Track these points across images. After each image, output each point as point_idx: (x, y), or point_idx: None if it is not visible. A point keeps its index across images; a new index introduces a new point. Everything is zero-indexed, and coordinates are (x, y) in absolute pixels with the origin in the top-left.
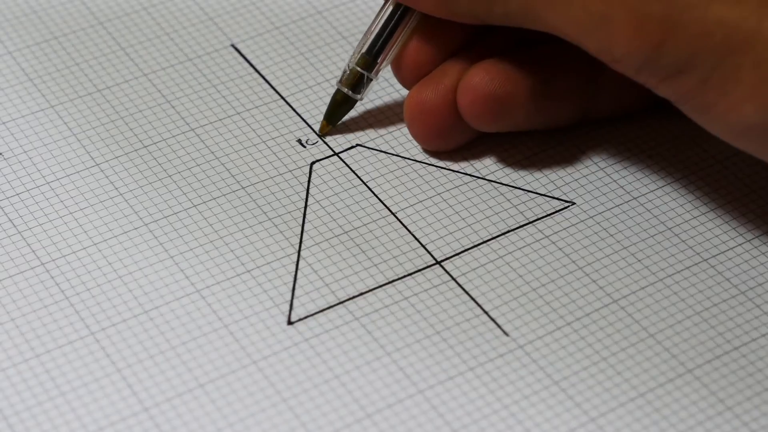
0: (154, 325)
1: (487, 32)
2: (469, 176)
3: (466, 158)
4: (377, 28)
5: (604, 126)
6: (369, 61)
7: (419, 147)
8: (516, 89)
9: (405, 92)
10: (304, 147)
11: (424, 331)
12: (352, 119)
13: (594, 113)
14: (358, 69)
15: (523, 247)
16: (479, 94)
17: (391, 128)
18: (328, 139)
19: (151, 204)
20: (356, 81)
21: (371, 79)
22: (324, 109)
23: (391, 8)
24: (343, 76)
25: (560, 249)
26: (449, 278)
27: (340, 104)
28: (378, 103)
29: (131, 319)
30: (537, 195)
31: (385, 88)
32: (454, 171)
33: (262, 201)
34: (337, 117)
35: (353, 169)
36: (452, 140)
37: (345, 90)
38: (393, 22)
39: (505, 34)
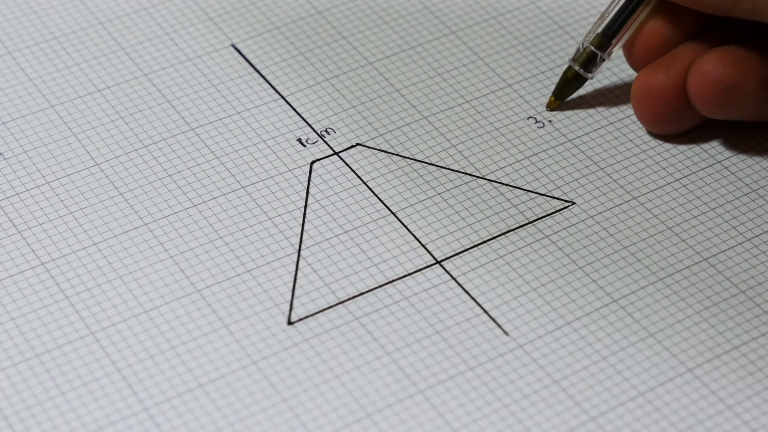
0: (154, 325)
1: (722, 21)
2: (469, 176)
3: (466, 158)
4: (615, 9)
5: (603, 126)
6: (604, 41)
7: (419, 146)
8: (747, 79)
9: (397, 86)
10: (304, 146)
11: (424, 330)
12: (352, 119)
13: None
14: (592, 48)
15: (523, 247)
16: (710, 80)
17: (392, 128)
18: (328, 138)
19: (151, 204)
20: (589, 60)
21: (604, 59)
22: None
23: None
24: (576, 54)
25: (560, 249)
26: (449, 278)
27: (570, 81)
28: (378, 102)
29: (131, 318)
30: (537, 195)
31: (385, 87)
32: (454, 171)
33: (262, 200)
34: (566, 93)
35: (353, 168)
36: (676, 124)
37: (577, 68)
38: (631, 5)
39: (739, 24)
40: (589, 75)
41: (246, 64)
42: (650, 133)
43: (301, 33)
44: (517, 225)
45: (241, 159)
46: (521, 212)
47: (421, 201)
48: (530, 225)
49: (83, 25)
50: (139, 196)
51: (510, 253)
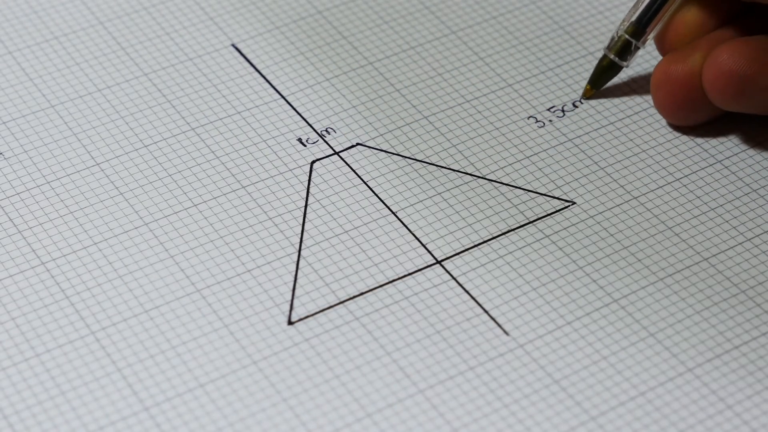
0: (154, 324)
1: (750, 12)
2: (469, 176)
3: (466, 158)
4: (647, 1)
5: (603, 125)
6: (638, 29)
7: (419, 146)
8: (762, 71)
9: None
10: (305, 146)
11: (425, 330)
12: (353, 119)
13: None
14: (627, 37)
15: (523, 246)
16: (724, 71)
17: (391, 127)
18: (328, 138)
19: (151, 203)
20: (624, 48)
21: (638, 48)
22: None
23: None
24: (611, 42)
25: (560, 249)
26: (449, 278)
27: (605, 70)
28: (378, 102)
29: (131, 318)
30: (537, 195)
31: (385, 87)
32: (454, 171)
33: (262, 200)
34: (601, 82)
35: (353, 168)
36: (695, 115)
37: (612, 56)
38: None
39: (766, 15)
40: (624, 63)
41: (246, 64)
42: (671, 124)
43: (301, 33)
44: (517, 225)
45: (241, 159)
46: (521, 212)
47: (421, 201)
48: (530, 225)
49: (83, 25)
50: (139, 196)
51: (510, 253)
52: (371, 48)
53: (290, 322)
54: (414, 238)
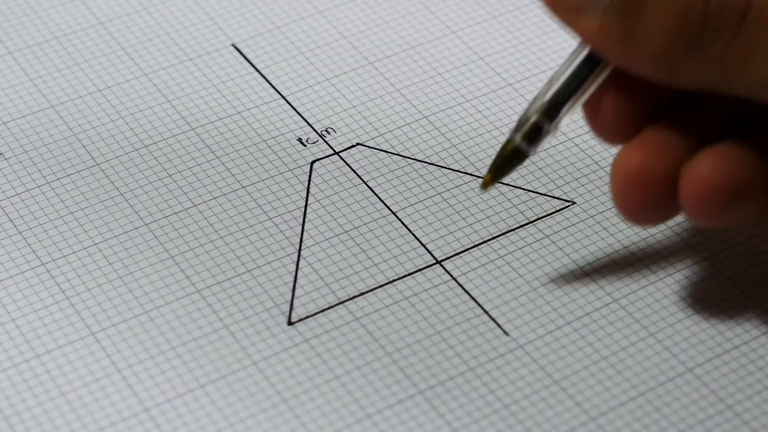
0: (154, 325)
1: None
2: (469, 176)
3: (466, 158)
4: (564, 76)
5: None
6: (552, 110)
7: (419, 146)
8: (753, 180)
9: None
10: (305, 146)
11: (425, 331)
12: (353, 118)
13: None
14: (537, 118)
15: (523, 247)
16: (709, 187)
17: (392, 127)
18: (328, 138)
19: (151, 204)
20: (532, 132)
21: (549, 132)
22: None
23: (582, 56)
24: (519, 124)
25: (560, 249)
26: (449, 278)
27: (509, 157)
28: (378, 102)
29: (131, 319)
30: (537, 195)
31: (385, 87)
32: (454, 171)
33: (262, 200)
34: (504, 171)
35: (353, 168)
36: (662, 218)
37: (518, 141)
38: (583, 72)
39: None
40: (532, 151)
41: (246, 64)
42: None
43: (301, 33)
44: (517, 225)
45: (241, 159)
46: (521, 212)
47: (421, 201)
48: (530, 225)
49: (83, 25)
50: (139, 196)
51: (510, 253)
52: (371, 48)
53: (290, 323)
54: (414, 238)
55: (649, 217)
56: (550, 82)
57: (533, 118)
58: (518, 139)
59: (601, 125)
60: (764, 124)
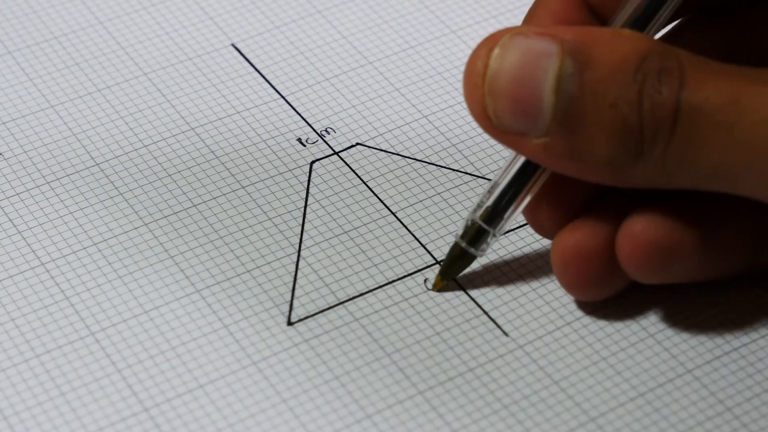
0: (154, 325)
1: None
2: (469, 176)
3: (466, 158)
4: (504, 181)
5: None
6: (494, 216)
7: (419, 146)
8: (681, 238)
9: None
10: (304, 146)
11: (424, 331)
12: (353, 118)
13: (762, 262)
14: (481, 224)
15: (523, 247)
16: (641, 242)
17: (391, 127)
18: (328, 138)
19: (151, 204)
20: (477, 236)
21: (494, 236)
22: None
23: (521, 161)
24: (464, 229)
25: None
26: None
27: (457, 259)
28: (378, 102)
29: (131, 319)
30: None
31: (385, 87)
32: (454, 170)
33: (262, 200)
34: (453, 272)
35: (353, 168)
36: (607, 289)
37: (464, 245)
38: (524, 176)
39: None
40: (479, 253)
41: (246, 64)
42: (578, 301)
43: (301, 33)
44: (517, 225)
45: (241, 159)
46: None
47: (421, 201)
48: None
49: (83, 24)
50: (139, 196)
51: (510, 253)
52: (371, 48)
53: (290, 323)
54: (414, 238)
55: (594, 291)
56: (491, 189)
57: (477, 225)
58: (464, 243)
59: (541, 227)
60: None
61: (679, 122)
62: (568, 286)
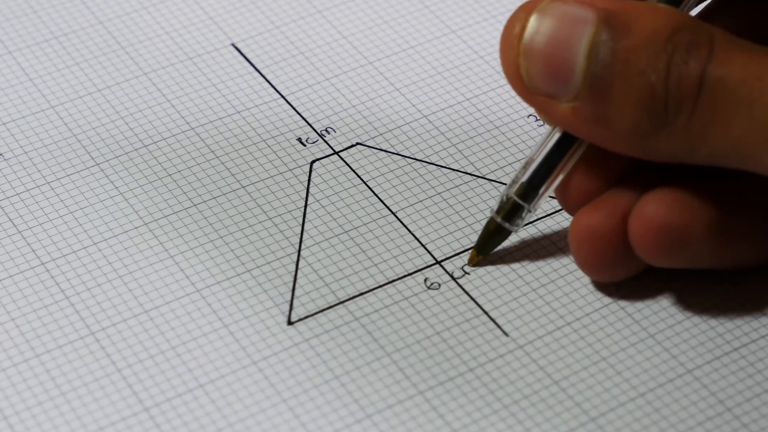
0: (154, 325)
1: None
2: (469, 176)
3: (466, 157)
4: (540, 157)
5: None
6: (528, 191)
7: (419, 146)
8: (693, 221)
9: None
10: (304, 146)
11: (424, 331)
12: (352, 118)
13: None
14: (517, 199)
15: (523, 247)
16: (653, 224)
17: (391, 127)
18: (328, 138)
19: (151, 203)
20: (513, 212)
21: (529, 211)
22: None
23: (556, 137)
24: (499, 205)
25: (560, 249)
26: (449, 278)
27: (492, 234)
28: (378, 102)
29: (131, 319)
30: None
31: (385, 86)
32: (454, 170)
33: (262, 200)
34: (489, 248)
35: (353, 168)
36: (621, 270)
37: (499, 220)
38: (558, 152)
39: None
40: (514, 228)
41: (246, 64)
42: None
43: (301, 33)
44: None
45: (241, 159)
46: None
47: (421, 201)
48: (530, 225)
49: (83, 24)
50: (139, 196)
51: (510, 253)
52: (371, 48)
53: (290, 323)
54: (414, 238)
55: (609, 272)
56: (526, 166)
57: (512, 201)
58: (499, 218)
59: (567, 203)
60: (709, 170)
61: (702, 95)
62: (583, 265)
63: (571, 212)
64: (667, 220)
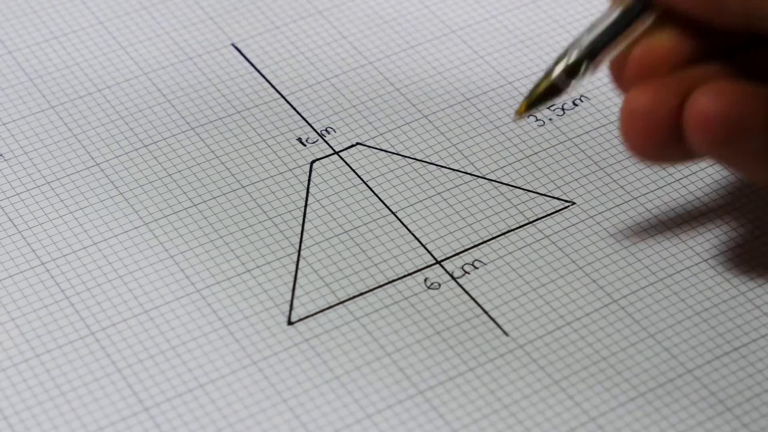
0: (154, 325)
1: (735, 50)
2: (469, 176)
3: (466, 157)
4: (607, 21)
5: (603, 125)
6: (593, 50)
7: (419, 146)
8: (751, 113)
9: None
10: (305, 146)
11: (424, 331)
12: (352, 118)
13: None
14: (578, 57)
15: (523, 247)
16: (709, 115)
17: (391, 127)
18: (328, 138)
19: (151, 203)
20: (573, 69)
21: (588, 71)
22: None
23: (626, 4)
24: (558, 58)
25: (560, 249)
26: (449, 278)
27: (546, 90)
28: (378, 102)
29: (131, 318)
30: (537, 195)
31: (385, 86)
32: (454, 170)
33: (262, 200)
34: (539, 103)
35: (353, 168)
36: (670, 156)
37: (555, 76)
38: (625, 18)
39: (746, 53)
40: (568, 87)
41: (246, 64)
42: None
43: (301, 33)
44: (517, 225)
45: (241, 159)
46: (521, 212)
47: (421, 201)
48: (530, 225)
49: (83, 24)
50: (139, 196)
51: (510, 253)
52: (371, 48)
53: (290, 323)
54: (414, 238)
55: (655, 154)
56: (594, 25)
57: (575, 56)
58: (557, 71)
59: (620, 78)
60: None
61: None
62: (630, 145)
63: (623, 88)
64: (722, 109)
